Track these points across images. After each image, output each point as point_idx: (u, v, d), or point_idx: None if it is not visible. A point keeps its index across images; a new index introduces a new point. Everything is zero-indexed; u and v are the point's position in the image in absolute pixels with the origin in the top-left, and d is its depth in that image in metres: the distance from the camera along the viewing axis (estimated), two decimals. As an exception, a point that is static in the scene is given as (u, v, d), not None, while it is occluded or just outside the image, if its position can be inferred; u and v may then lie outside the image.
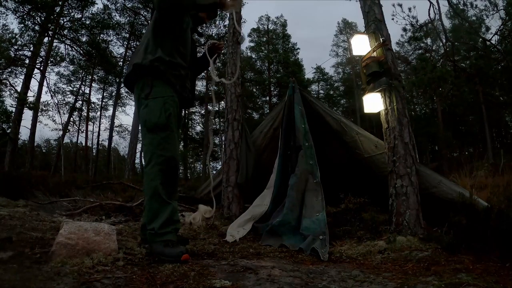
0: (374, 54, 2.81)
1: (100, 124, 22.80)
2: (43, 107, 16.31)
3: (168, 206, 1.79)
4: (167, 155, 1.83)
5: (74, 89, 20.23)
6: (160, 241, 1.71)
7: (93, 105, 22.16)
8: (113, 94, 20.72)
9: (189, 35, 2.06)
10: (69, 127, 19.11)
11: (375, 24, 2.91)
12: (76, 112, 20.41)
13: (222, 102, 22.51)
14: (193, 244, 2.21)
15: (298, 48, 26.42)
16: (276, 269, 1.60)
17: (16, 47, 12.67)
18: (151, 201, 1.80)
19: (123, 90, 20.13)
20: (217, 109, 22.63)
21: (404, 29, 9.68)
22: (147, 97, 1.87)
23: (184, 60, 1.99)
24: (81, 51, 16.04)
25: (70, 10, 14.37)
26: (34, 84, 19.61)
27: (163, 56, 1.86)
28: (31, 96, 12.49)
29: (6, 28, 13.84)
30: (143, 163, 1.98)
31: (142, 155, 2.05)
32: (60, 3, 13.30)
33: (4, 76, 13.43)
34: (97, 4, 15.37)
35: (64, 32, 14.63)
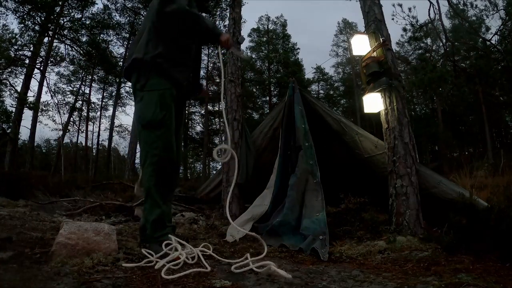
0: (374, 54, 2.81)
1: (100, 124, 22.86)
2: (43, 107, 16.31)
3: (157, 210, 1.76)
4: (162, 155, 1.76)
5: (74, 89, 20.24)
6: (156, 241, 1.72)
7: (93, 105, 22.21)
8: (113, 94, 20.74)
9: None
10: (69, 127, 19.11)
11: (375, 24, 2.91)
12: (76, 112, 20.41)
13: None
14: (193, 244, 2.20)
15: (298, 48, 26.44)
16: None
17: (16, 47, 12.68)
18: (146, 202, 1.79)
19: (123, 90, 20.17)
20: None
21: (404, 29, 9.69)
22: (142, 89, 1.79)
23: (188, 53, 1.89)
24: (81, 51, 16.05)
25: (70, 10, 14.39)
26: (34, 84, 19.49)
27: (164, 53, 1.77)
28: (31, 96, 12.54)
29: (6, 28, 13.86)
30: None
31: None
32: (60, 3, 13.30)
33: (4, 76, 13.43)
34: (97, 4, 15.45)
35: (64, 32, 14.65)
